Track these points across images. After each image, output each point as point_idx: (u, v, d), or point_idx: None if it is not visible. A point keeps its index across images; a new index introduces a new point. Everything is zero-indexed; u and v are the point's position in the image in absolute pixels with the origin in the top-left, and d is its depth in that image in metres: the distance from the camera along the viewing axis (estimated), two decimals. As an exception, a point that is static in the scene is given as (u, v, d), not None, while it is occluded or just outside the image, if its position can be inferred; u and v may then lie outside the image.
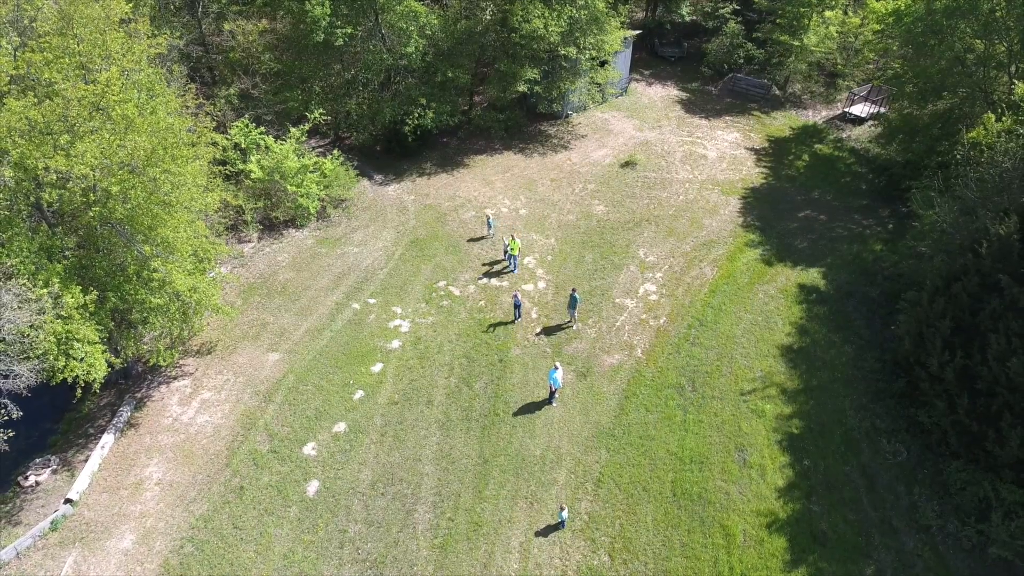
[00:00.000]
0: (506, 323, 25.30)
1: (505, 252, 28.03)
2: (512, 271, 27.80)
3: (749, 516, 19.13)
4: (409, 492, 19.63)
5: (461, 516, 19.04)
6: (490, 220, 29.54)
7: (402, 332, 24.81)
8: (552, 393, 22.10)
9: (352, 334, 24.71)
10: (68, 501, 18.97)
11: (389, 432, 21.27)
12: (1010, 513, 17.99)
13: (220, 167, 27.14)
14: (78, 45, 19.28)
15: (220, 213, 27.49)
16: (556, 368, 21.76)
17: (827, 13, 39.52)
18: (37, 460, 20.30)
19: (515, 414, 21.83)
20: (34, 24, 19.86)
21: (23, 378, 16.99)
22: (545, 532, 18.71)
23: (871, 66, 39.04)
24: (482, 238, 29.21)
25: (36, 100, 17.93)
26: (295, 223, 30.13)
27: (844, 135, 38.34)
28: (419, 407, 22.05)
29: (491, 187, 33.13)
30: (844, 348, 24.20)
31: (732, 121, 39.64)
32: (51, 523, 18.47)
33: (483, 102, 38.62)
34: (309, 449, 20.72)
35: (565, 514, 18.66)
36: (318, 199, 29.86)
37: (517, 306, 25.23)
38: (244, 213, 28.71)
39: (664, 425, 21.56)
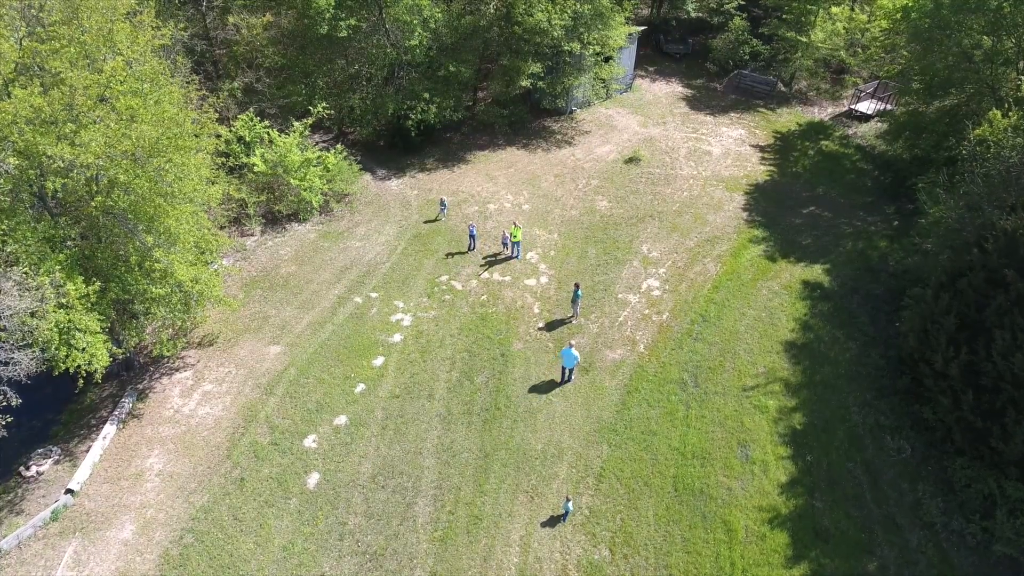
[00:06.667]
0: (460, 252, 28.06)
1: (504, 242, 28.03)
2: (515, 257, 27.81)
3: (751, 512, 19.02)
4: (409, 485, 19.58)
5: (461, 509, 18.98)
6: (443, 201, 30.49)
7: (404, 326, 24.76)
8: (567, 372, 22.34)
9: (354, 328, 24.67)
10: (69, 491, 18.96)
11: (390, 425, 21.22)
12: (1015, 510, 17.86)
13: (223, 159, 27.16)
14: (82, 35, 19.28)
15: (223, 206, 27.53)
16: (570, 346, 22.03)
17: (834, 9, 39.32)
18: (39, 450, 20.31)
19: (516, 408, 21.76)
20: (40, 14, 19.86)
21: (23, 366, 16.99)
22: (551, 523, 18.68)
23: (877, 62, 38.83)
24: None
25: (41, 88, 17.93)
26: (298, 217, 30.12)
27: (850, 132, 38.17)
28: (420, 401, 22.00)
29: (494, 182, 33.06)
30: (848, 344, 24.05)
31: (737, 118, 39.48)
32: (52, 513, 18.47)
33: (487, 97, 38.56)
34: (310, 441, 20.69)
35: (571, 505, 18.61)
36: (321, 193, 29.85)
37: (472, 236, 27.91)
38: (247, 206, 28.71)
39: (666, 420, 21.46)
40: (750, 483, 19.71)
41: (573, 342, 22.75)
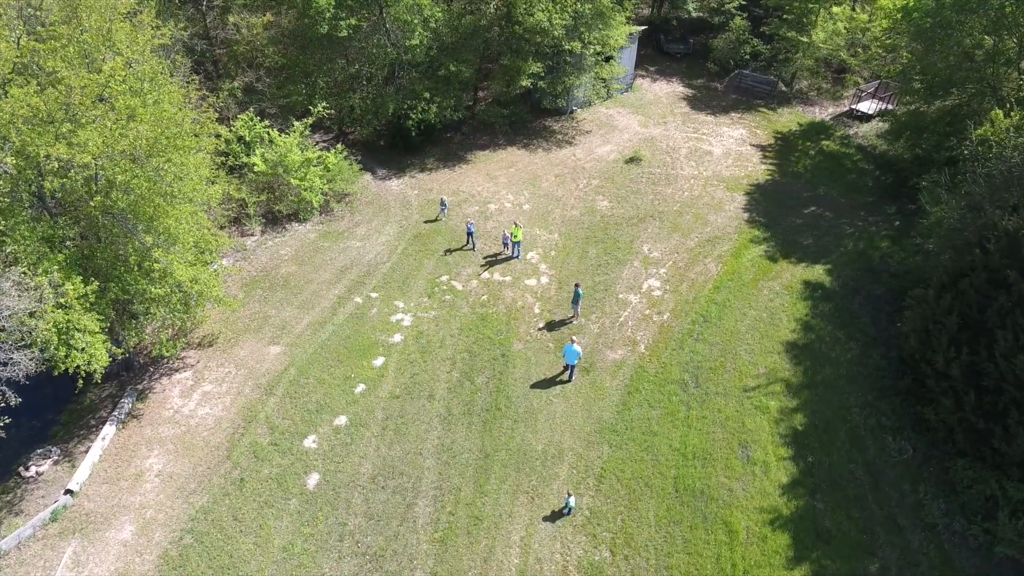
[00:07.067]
0: (458, 249, 28.37)
1: (505, 242, 27.99)
2: (516, 257, 27.79)
3: (752, 512, 18.96)
4: (410, 486, 19.53)
5: (462, 510, 18.94)
6: (444, 201, 30.46)
7: (404, 326, 24.71)
8: (569, 369, 22.39)
9: (354, 328, 24.62)
10: (68, 492, 18.92)
11: (390, 426, 21.17)
12: (1017, 511, 17.80)
13: (223, 158, 27.11)
14: (81, 35, 19.25)
15: (223, 206, 27.49)
16: (572, 342, 22.00)
17: (835, 9, 39.25)
18: (38, 451, 20.27)
19: (517, 409, 21.71)
20: (38, 13, 19.83)
21: (22, 366, 16.94)
22: (553, 518, 18.72)
23: (878, 62, 38.79)
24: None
25: (38, 88, 17.88)
26: (298, 217, 30.07)
27: (851, 132, 38.10)
28: (420, 401, 21.95)
29: (495, 182, 33.01)
30: (849, 345, 23.99)
31: (738, 118, 39.41)
32: (51, 513, 18.43)
33: (487, 97, 38.52)
34: (310, 442, 20.64)
35: (572, 501, 18.59)
36: (321, 193, 29.80)
37: (470, 233, 28.15)
38: (247, 206, 28.66)
39: (667, 421, 21.41)
40: (751, 484, 19.66)
41: (575, 338, 22.79)
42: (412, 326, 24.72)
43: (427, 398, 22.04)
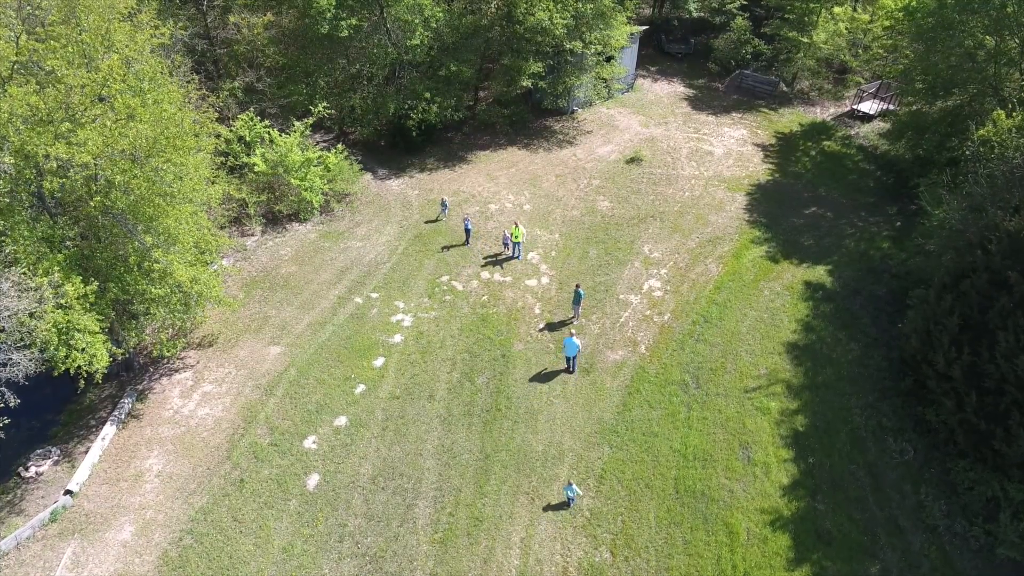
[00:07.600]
0: (456, 245, 28.53)
1: (505, 242, 27.96)
2: (516, 257, 27.77)
3: (753, 514, 18.92)
4: (410, 487, 19.50)
5: (462, 511, 18.90)
6: (444, 201, 30.46)
7: (404, 327, 24.68)
8: (570, 362, 22.56)
9: (354, 328, 24.59)
10: (68, 492, 18.90)
11: (390, 426, 21.15)
12: (1018, 513, 17.76)
13: (223, 158, 27.07)
14: (80, 35, 19.23)
15: (223, 206, 27.47)
16: (572, 335, 22.16)
17: (836, 9, 39.21)
18: (38, 451, 20.25)
19: (517, 409, 21.67)
20: (36, 12, 19.81)
21: (22, 367, 16.92)
22: (556, 508, 18.83)
23: (880, 63, 38.74)
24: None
25: (37, 87, 17.86)
26: (298, 217, 30.05)
27: (852, 132, 38.05)
28: (421, 402, 21.91)
29: (495, 182, 32.98)
30: (850, 346, 23.95)
31: (739, 118, 39.37)
32: (51, 514, 18.41)
33: (488, 97, 38.49)
34: (310, 443, 20.61)
35: (571, 492, 18.61)
36: (321, 193, 29.78)
37: (467, 230, 28.40)
38: (247, 206, 28.64)
39: (667, 422, 21.37)
40: (752, 485, 19.61)
41: (574, 331, 22.93)
42: (412, 326, 24.69)
43: (427, 399, 22.00)
